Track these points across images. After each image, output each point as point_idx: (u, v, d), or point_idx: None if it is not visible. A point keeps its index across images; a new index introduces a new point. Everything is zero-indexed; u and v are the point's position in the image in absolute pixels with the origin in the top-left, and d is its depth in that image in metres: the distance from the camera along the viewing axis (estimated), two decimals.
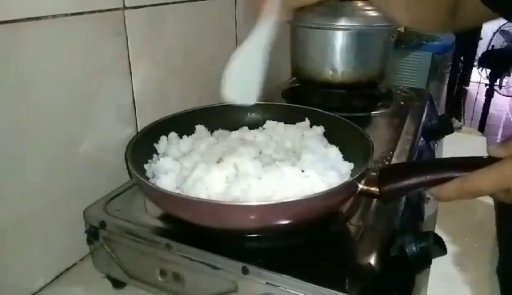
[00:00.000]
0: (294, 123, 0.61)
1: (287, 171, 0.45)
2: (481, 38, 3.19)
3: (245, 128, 0.61)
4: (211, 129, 0.61)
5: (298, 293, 0.39)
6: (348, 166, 0.51)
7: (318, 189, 0.43)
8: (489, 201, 0.63)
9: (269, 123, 0.62)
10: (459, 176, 0.38)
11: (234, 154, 0.48)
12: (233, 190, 0.44)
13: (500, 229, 0.59)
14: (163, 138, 0.55)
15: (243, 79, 0.44)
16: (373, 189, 0.44)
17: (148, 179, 0.48)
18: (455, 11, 0.52)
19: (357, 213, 0.49)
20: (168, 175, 0.47)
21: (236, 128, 0.61)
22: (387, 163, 0.61)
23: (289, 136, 0.58)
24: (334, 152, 0.53)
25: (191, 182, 0.45)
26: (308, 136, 0.57)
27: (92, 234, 0.49)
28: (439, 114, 0.96)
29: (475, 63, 3.05)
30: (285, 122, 0.62)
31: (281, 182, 0.44)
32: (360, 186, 0.44)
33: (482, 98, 3.03)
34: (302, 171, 0.46)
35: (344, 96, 0.87)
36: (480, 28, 3.04)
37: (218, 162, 0.46)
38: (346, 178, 0.49)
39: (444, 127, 0.86)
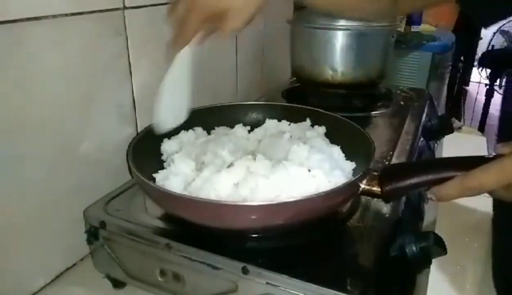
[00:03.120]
0: (295, 123, 0.61)
1: (294, 170, 0.45)
2: (481, 38, 3.19)
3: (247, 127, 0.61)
4: (212, 130, 0.61)
5: (298, 293, 0.39)
6: (350, 166, 0.52)
7: (324, 189, 0.44)
8: (489, 201, 0.63)
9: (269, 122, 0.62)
10: (460, 175, 0.38)
11: (245, 159, 0.48)
12: (242, 189, 0.44)
13: (495, 230, 0.60)
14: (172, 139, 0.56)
15: (172, 106, 0.48)
16: (374, 188, 0.44)
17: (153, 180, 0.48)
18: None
19: (357, 213, 0.49)
20: (178, 176, 0.47)
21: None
22: (387, 163, 0.61)
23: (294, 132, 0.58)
24: (336, 152, 0.54)
25: (200, 182, 0.45)
26: (309, 136, 0.57)
27: (92, 234, 0.49)
28: (439, 114, 0.96)
29: (475, 63, 3.05)
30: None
31: (288, 181, 0.44)
32: (362, 186, 0.44)
33: (482, 98, 3.03)
34: (309, 171, 0.46)
35: (344, 96, 0.87)
36: (480, 28, 3.04)
37: (228, 167, 0.46)
38: (349, 177, 0.49)
39: (444, 127, 0.86)
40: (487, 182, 0.37)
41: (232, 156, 0.50)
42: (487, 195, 0.40)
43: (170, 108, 0.48)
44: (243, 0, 0.43)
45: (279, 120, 0.62)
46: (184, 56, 0.46)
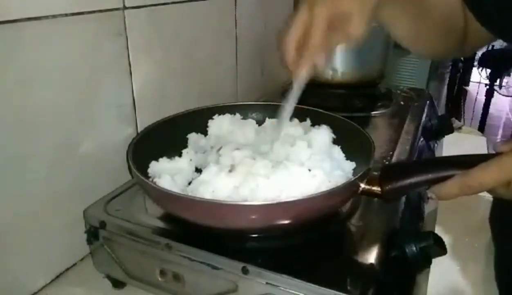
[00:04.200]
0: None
1: (294, 170, 0.45)
2: None
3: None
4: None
5: (298, 293, 0.39)
6: (350, 165, 0.52)
7: (325, 188, 0.44)
8: (489, 200, 0.63)
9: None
10: (459, 173, 0.38)
11: (246, 163, 0.48)
12: (242, 189, 0.44)
13: (493, 225, 0.60)
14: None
15: None
16: (375, 188, 0.44)
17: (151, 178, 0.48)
18: (464, 41, 0.53)
19: (357, 213, 0.49)
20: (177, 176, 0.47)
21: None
22: (387, 163, 0.61)
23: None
24: (336, 152, 0.53)
25: (196, 184, 0.45)
26: (309, 136, 0.57)
27: (92, 234, 0.49)
28: (439, 114, 0.96)
29: (475, 63, 3.05)
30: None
31: (289, 181, 0.44)
32: (362, 186, 0.44)
33: (482, 98, 3.03)
34: (309, 171, 0.46)
35: (344, 96, 0.87)
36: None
37: (230, 171, 0.46)
38: (349, 177, 0.49)
39: (444, 127, 0.86)
40: (486, 180, 0.37)
41: (231, 158, 0.50)
42: (487, 194, 0.40)
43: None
44: (360, 1, 0.42)
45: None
46: (305, 76, 0.46)
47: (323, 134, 0.53)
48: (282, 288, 0.39)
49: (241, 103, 0.67)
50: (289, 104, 0.48)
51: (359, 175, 0.43)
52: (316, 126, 0.60)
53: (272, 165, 0.47)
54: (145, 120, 0.60)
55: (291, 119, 0.61)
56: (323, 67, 0.45)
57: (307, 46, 0.43)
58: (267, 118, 0.62)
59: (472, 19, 0.50)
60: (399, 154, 0.65)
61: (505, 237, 0.56)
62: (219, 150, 0.50)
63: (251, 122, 0.60)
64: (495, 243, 0.58)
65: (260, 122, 0.62)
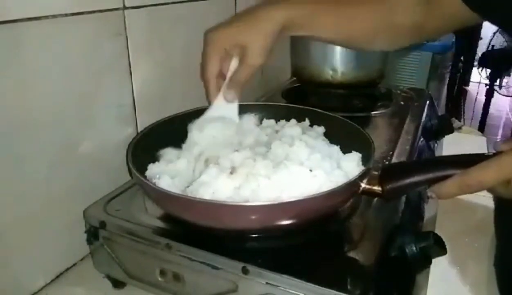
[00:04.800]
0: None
1: (295, 170, 0.45)
2: (481, 38, 3.19)
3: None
4: None
5: (298, 293, 0.39)
6: (350, 165, 0.51)
7: (326, 188, 0.43)
8: (489, 201, 0.63)
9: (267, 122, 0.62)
10: (459, 172, 0.38)
11: (246, 165, 0.48)
12: (243, 190, 0.44)
13: (497, 223, 0.60)
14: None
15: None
16: (375, 188, 0.44)
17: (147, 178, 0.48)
18: (420, 30, 0.54)
19: (357, 212, 0.49)
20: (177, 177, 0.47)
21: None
22: (387, 162, 0.61)
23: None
24: (336, 152, 0.53)
25: (196, 185, 0.45)
26: (308, 136, 0.57)
27: (92, 234, 0.49)
28: (439, 114, 0.96)
29: (475, 63, 3.05)
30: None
31: (290, 181, 0.44)
32: (363, 185, 0.44)
33: (482, 98, 3.03)
34: (310, 170, 0.46)
35: (344, 96, 0.87)
36: (480, 28, 3.04)
37: (231, 173, 0.46)
38: (350, 177, 0.49)
39: (444, 127, 0.86)
40: (486, 179, 0.37)
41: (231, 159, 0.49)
42: (488, 194, 0.40)
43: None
44: (257, 32, 0.48)
45: (278, 120, 0.62)
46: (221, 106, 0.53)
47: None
48: (282, 288, 0.39)
49: (241, 103, 0.67)
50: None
51: (359, 174, 0.43)
52: (315, 126, 0.60)
53: (272, 165, 0.47)
54: (145, 120, 0.60)
55: (289, 119, 0.61)
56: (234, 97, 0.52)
57: (208, 82, 0.51)
58: (264, 119, 0.62)
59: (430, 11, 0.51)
60: (399, 154, 0.65)
61: (508, 237, 0.56)
62: (206, 161, 0.50)
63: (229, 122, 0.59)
64: (498, 243, 0.58)
65: (257, 123, 0.62)
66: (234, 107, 0.54)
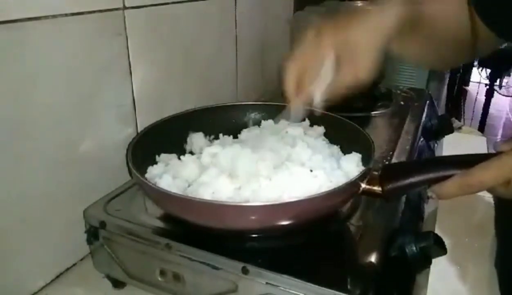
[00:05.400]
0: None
1: (296, 171, 0.45)
2: None
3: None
4: (212, 130, 0.60)
5: (298, 293, 0.39)
6: (350, 165, 0.51)
7: (326, 188, 0.44)
8: (489, 200, 0.63)
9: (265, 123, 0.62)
10: (460, 173, 0.38)
11: (247, 166, 0.48)
12: (244, 190, 0.44)
13: (498, 224, 0.60)
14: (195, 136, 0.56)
15: None
16: (375, 188, 0.44)
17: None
18: (474, 47, 0.53)
19: (357, 213, 0.49)
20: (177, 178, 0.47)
21: (236, 128, 0.61)
22: (387, 163, 0.61)
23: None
24: (336, 152, 0.53)
25: (196, 185, 0.45)
26: (309, 136, 0.57)
27: (92, 234, 0.49)
28: (439, 114, 0.96)
29: (475, 63, 3.05)
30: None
31: (290, 182, 0.44)
32: (363, 185, 0.44)
33: (482, 98, 3.03)
34: (311, 171, 0.46)
35: (344, 96, 0.86)
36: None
37: (231, 176, 0.46)
38: (350, 177, 0.49)
39: (444, 127, 0.86)
40: (486, 179, 0.37)
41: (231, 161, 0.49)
42: (488, 194, 0.40)
43: None
44: (373, 31, 0.39)
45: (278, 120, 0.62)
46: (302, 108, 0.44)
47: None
48: (282, 288, 0.39)
49: (241, 103, 0.67)
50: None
51: (359, 174, 0.43)
52: (315, 126, 0.60)
53: (273, 165, 0.47)
54: (145, 120, 0.60)
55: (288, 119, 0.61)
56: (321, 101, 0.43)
57: (307, 79, 0.41)
58: (262, 121, 0.62)
59: (480, 25, 0.49)
60: (399, 154, 0.65)
61: (509, 237, 0.56)
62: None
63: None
64: (498, 243, 0.58)
65: (259, 123, 0.62)
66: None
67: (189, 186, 0.47)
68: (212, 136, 0.60)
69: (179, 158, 0.52)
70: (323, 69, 0.40)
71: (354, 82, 0.40)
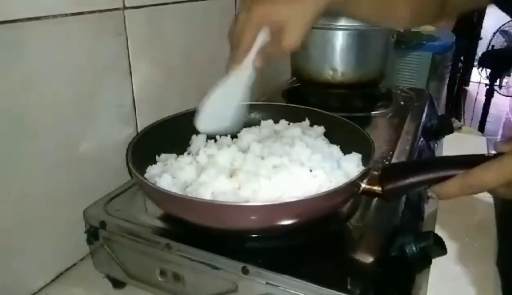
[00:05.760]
0: (294, 123, 0.61)
1: (296, 171, 0.45)
2: (481, 38, 3.19)
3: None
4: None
5: (298, 293, 0.39)
6: (350, 165, 0.51)
7: (326, 188, 0.44)
8: (489, 200, 0.63)
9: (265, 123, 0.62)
10: (460, 173, 0.38)
11: (246, 167, 0.48)
12: (243, 190, 0.44)
13: (499, 223, 0.60)
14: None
15: (214, 114, 0.49)
16: (375, 188, 0.44)
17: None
18: (445, 3, 0.53)
19: (357, 213, 0.49)
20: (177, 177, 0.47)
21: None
22: (387, 163, 0.61)
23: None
24: (336, 152, 0.53)
25: (196, 185, 0.45)
26: (308, 135, 0.57)
27: (92, 234, 0.49)
28: (439, 114, 0.96)
29: (475, 63, 3.05)
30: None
31: (290, 182, 0.44)
32: (363, 185, 0.44)
33: (482, 98, 3.03)
34: (310, 171, 0.46)
35: (344, 96, 0.87)
36: (480, 28, 3.04)
37: (231, 176, 0.46)
38: (350, 177, 0.49)
39: (444, 127, 0.86)
40: (487, 180, 0.37)
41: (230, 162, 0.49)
42: (488, 194, 0.40)
43: (211, 115, 0.49)
44: (300, 9, 0.42)
45: (278, 121, 0.62)
46: (240, 73, 0.47)
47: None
48: (282, 288, 0.39)
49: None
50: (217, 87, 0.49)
51: (359, 174, 0.43)
52: (315, 126, 0.60)
53: (273, 165, 0.47)
54: (145, 120, 0.60)
55: (288, 119, 0.61)
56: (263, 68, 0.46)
57: (239, 44, 0.44)
58: (262, 121, 0.62)
59: None
60: (399, 154, 0.64)
61: (510, 237, 0.56)
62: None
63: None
64: (500, 243, 0.57)
65: (259, 123, 0.62)
66: (244, 83, 0.49)
67: (188, 186, 0.47)
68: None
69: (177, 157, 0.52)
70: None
71: (282, 54, 0.44)
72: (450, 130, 0.85)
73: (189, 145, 0.57)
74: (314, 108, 0.62)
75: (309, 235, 0.46)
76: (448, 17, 0.59)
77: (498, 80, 2.95)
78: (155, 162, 0.52)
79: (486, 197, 0.66)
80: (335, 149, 0.54)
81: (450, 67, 1.76)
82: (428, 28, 1.64)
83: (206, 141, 0.57)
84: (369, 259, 0.42)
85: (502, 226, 0.59)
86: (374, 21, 0.59)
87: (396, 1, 0.52)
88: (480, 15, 3.10)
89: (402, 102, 0.89)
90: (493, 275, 0.54)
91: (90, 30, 0.51)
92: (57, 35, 0.46)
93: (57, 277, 0.52)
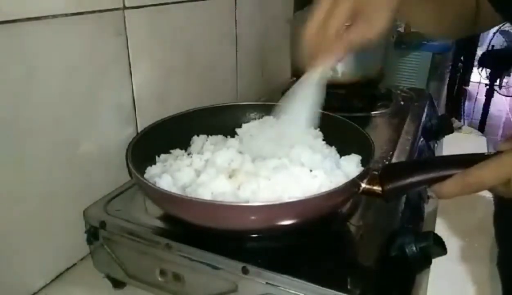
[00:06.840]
0: None
1: (295, 171, 0.45)
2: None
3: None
4: (212, 130, 0.60)
5: (298, 293, 0.39)
6: (350, 165, 0.51)
7: (326, 188, 0.44)
8: (489, 200, 0.63)
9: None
10: (460, 172, 0.38)
11: (246, 167, 0.48)
12: (243, 191, 0.44)
13: (497, 225, 0.60)
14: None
15: (297, 114, 0.48)
16: (375, 188, 0.44)
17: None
18: (476, 20, 0.54)
19: (357, 213, 0.49)
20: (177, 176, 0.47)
21: (236, 128, 0.61)
22: (387, 163, 0.61)
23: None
24: (335, 152, 0.54)
25: (195, 186, 0.45)
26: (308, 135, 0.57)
27: (92, 234, 0.49)
28: (439, 114, 0.96)
29: (475, 63, 3.05)
30: None
31: (290, 182, 0.44)
32: (363, 185, 0.44)
33: (482, 98, 3.03)
34: (310, 171, 0.46)
35: (344, 96, 0.87)
36: None
37: (230, 177, 0.46)
38: (350, 177, 0.49)
39: (444, 127, 0.86)
40: (486, 179, 0.37)
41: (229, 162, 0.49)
42: (488, 194, 0.40)
43: (293, 118, 0.48)
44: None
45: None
46: (318, 71, 0.45)
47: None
48: (282, 288, 0.39)
49: (241, 103, 0.67)
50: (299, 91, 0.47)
51: (359, 174, 0.44)
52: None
53: (272, 165, 0.47)
54: (145, 120, 0.60)
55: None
56: (339, 62, 0.43)
57: (325, 38, 0.41)
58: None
59: (484, 1, 0.50)
60: (399, 154, 0.65)
61: (510, 237, 0.56)
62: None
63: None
64: (499, 243, 0.57)
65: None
66: (321, 81, 0.47)
67: (187, 186, 0.47)
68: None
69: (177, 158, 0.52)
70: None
71: (366, 42, 0.41)
72: (450, 130, 0.86)
73: (189, 145, 0.58)
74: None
75: (309, 235, 0.46)
76: (475, 33, 0.63)
77: (498, 80, 2.95)
78: (155, 162, 0.52)
79: (486, 196, 0.66)
80: (335, 149, 0.54)
81: (450, 67, 1.77)
82: None
83: (206, 141, 0.58)
84: (369, 259, 0.42)
85: (500, 227, 0.59)
86: (427, 31, 0.61)
87: (447, 15, 0.54)
88: None
89: (402, 102, 0.89)
90: (493, 275, 0.54)
91: (90, 30, 0.51)
92: (57, 35, 0.46)
93: (57, 277, 0.52)
